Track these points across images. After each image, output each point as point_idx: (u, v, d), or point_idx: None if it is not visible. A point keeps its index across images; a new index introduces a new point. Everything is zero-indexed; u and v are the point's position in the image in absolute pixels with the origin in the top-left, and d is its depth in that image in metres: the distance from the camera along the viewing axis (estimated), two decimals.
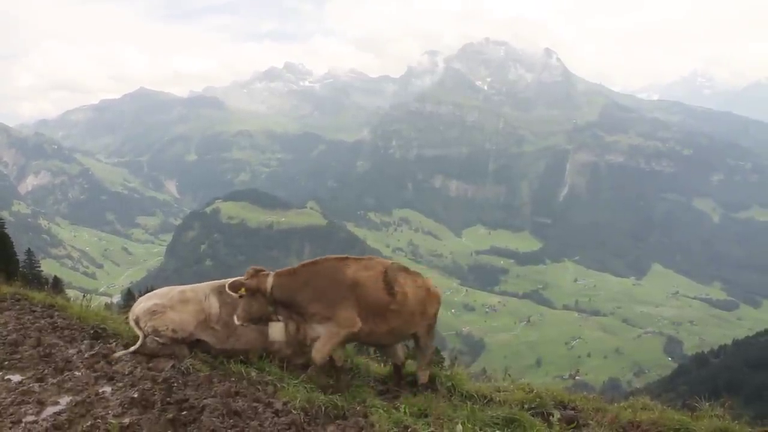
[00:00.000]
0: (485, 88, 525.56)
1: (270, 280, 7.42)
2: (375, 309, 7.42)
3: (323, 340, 7.39)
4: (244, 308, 7.46)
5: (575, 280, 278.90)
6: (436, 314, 8.10)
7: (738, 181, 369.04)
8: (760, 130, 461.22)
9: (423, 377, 8.13)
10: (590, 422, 7.27)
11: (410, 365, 8.47)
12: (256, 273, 7.56)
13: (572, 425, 7.18)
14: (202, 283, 8.47)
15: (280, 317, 7.68)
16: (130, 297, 35.52)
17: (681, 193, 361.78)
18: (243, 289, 7.45)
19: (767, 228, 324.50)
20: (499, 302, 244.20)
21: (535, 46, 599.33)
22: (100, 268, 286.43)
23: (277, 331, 8.04)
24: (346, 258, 7.68)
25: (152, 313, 7.82)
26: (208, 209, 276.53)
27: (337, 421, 6.21)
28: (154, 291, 8.70)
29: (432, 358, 8.30)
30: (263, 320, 7.74)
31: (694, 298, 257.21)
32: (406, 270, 7.85)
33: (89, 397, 6.07)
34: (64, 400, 6.02)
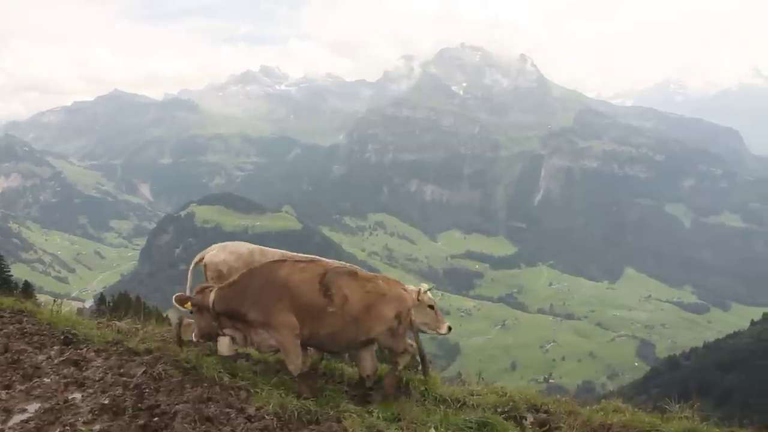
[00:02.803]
0: (461, 93, 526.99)
1: (212, 295, 7.43)
2: (311, 311, 7.29)
3: (284, 352, 7.37)
4: (197, 325, 7.64)
5: (550, 284, 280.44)
6: (398, 317, 7.62)
7: (708, 187, 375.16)
8: (730, 137, 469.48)
9: (388, 387, 7.86)
10: (562, 425, 7.35)
11: (384, 370, 8.44)
12: (202, 290, 7.61)
13: (545, 428, 7.25)
14: (276, 251, 8.82)
15: (225, 331, 7.57)
16: (102, 302, 35.10)
17: (653, 198, 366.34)
18: (189, 304, 7.55)
19: (737, 233, 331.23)
20: (474, 306, 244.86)
21: (511, 51, 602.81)
22: (72, 272, 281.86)
23: (224, 346, 7.97)
24: (284, 260, 7.66)
25: (220, 270, 8.49)
26: (182, 213, 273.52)
27: (310, 426, 6.19)
28: (230, 243, 9.02)
29: (409, 364, 8.16)
30: (213, 337, 7.79)
31: (666, 302, 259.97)
32: (353, 274, 7.62)
33: (58, 404, 5.98)
34: (33, 408, 5.91)
